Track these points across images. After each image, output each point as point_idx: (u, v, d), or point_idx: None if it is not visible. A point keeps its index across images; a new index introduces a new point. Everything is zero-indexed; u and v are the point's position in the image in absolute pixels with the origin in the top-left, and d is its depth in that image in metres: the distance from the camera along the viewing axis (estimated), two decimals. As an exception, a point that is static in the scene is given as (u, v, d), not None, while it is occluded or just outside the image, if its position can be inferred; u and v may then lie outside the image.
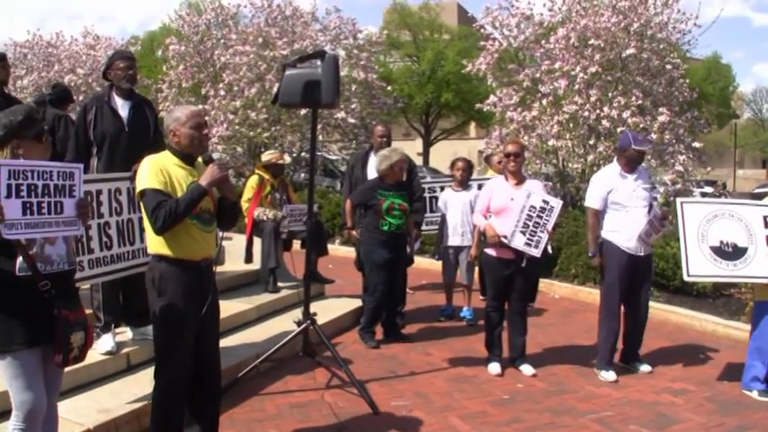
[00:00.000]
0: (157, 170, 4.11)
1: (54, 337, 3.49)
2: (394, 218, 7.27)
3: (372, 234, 7.39)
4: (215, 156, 4.71)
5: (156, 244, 4.20)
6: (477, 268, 8.64)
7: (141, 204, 4.19)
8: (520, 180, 6.61)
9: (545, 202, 6.32)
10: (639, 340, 6.87)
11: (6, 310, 3.45)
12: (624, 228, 6.46)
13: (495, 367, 6.66)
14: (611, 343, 6.63)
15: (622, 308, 6.70)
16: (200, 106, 17.92)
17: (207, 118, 17.32)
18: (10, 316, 3.45)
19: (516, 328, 6.73)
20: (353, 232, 7.90)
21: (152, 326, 4.39)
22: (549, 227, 6.31)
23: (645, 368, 6.77)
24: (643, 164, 6.86)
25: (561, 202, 6.53)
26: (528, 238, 6.28)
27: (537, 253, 6.31)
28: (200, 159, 4.37)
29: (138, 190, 4.17)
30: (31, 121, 3.56)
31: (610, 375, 6.49)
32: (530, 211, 6.27)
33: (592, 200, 6.66)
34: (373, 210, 7.33)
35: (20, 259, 3.43)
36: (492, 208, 6.56)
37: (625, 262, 6.48)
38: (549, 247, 7.54)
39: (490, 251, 6.57)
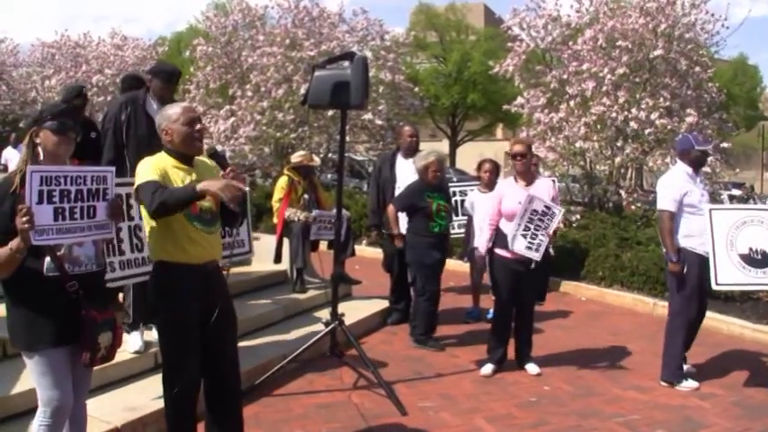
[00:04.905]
0: (155, 168, 3.96)
1: (81, 337, 3.54)
2: (442, 219, 7.27)
3: (422, 237, 7.26)
4: (218, 148, 4.60)
5: (157, 250, 4.08)
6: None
7: (138, 200, 4.04)
8: (529, 181, 6.56)
9: (547, 207, 6.30)
10: None
11: (34, 309, 3.49)
12: (699, 231, 6.18)
13: (487, 368, 6.60)
14: (683, 353, 6.52)
15: None
16: (228, 107, 18.06)
17: (234, 118, 17.46)
18: (37, 315, 3.49)
19: (522, 326, 6.72)
20: (399, 241, 7.58)
21: (157, 334, 4.30)
22: (550, 231, 6.29)
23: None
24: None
25: (563, 210, 6.60)
26: (529, 242, 6.26)
27: (537, 257, 6.30)
28: (200, 158, 4.26)
29: (135, 186, 3.99)
30: (49, 113, 3.55)
31: (694, 383, 6.33)
32: (531, 214, 6.25)
33: (667, 202, 6.30)
34: (423, 212, 7.22)
35: (48, 259, 3.47)
36: (503, 213, 6.46)
37: (703, 268, 6.19)
38: (551, 250, 7.45)
39: (501, 252, 6.48)
